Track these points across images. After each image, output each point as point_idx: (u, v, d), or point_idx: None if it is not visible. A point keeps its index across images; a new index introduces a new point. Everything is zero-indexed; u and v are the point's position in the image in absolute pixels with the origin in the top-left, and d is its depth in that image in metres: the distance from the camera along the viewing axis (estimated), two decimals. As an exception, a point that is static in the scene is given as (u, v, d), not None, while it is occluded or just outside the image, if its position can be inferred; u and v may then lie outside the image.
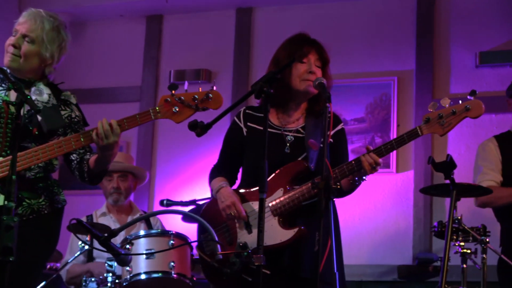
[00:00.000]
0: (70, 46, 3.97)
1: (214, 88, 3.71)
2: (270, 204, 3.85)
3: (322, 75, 3.98)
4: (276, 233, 3.82)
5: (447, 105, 3.78)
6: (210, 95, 3.69)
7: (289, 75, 3.98)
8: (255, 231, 3.64)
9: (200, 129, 3.52)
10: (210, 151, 7.03)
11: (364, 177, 3.82)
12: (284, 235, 3.81)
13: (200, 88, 3.71)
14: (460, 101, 3.79)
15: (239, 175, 4.21)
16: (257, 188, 3.36)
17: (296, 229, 3.81)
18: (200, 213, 4.14)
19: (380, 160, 3.74)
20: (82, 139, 3.69)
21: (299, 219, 3.87)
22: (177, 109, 3.67)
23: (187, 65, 7.24)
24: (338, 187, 3.49)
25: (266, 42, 7.15)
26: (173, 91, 3.67)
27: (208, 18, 7.43)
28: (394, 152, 6.50)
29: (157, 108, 3.68)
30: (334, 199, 3.97)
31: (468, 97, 3.79)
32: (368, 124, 6.74)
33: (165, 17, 7.57)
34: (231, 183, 4.13)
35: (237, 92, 7.09)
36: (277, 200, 3.86)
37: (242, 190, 4.02)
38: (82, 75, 7.54)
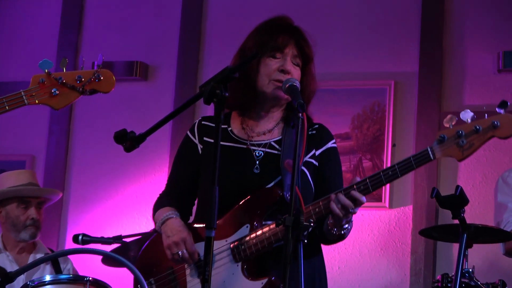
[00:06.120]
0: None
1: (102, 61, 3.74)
2: (231, 246, 3.77)
3: (301, 76, 3.89)
4: (239, 285, 3.74)
5: (468, 120, 3.64)
6: (100, 75, 3.71)
7: (256, 72, 3.88)
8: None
9: (130, 141, 3.47)
10: (143, 171, 7.08)
11: (346, 225, 3.72)
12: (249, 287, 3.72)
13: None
14: (486, 115, 3.65)
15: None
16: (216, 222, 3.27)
17: (264, 280, 3.72)
18: (138, 253, 4.12)
19: (363, 198, 3.61)
20: None
21: (268, 265, 3.77)
22: (57, 92, 3.69)
23: (116, 56, 7.27)
24: (312, 224, 3.33)
25: (221, 31, 7.29)
26: (46, 70, 3.67)
27: (148, -2, 7.51)
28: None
29: (31, 89, 3.66)
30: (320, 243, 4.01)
31: (497, 109, 3.65)
32: (355, 142, 6.77)
33: (89, -8, 7.67)
34: (184, 217, 4.01)
35: (182, 94, 7.19)
36: (242, 242, 3.77)
37: (196, 225, 3.92)
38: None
